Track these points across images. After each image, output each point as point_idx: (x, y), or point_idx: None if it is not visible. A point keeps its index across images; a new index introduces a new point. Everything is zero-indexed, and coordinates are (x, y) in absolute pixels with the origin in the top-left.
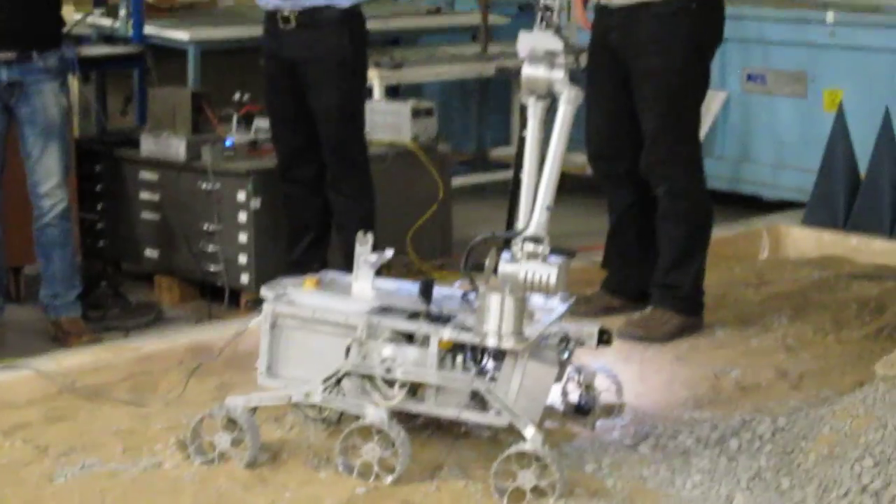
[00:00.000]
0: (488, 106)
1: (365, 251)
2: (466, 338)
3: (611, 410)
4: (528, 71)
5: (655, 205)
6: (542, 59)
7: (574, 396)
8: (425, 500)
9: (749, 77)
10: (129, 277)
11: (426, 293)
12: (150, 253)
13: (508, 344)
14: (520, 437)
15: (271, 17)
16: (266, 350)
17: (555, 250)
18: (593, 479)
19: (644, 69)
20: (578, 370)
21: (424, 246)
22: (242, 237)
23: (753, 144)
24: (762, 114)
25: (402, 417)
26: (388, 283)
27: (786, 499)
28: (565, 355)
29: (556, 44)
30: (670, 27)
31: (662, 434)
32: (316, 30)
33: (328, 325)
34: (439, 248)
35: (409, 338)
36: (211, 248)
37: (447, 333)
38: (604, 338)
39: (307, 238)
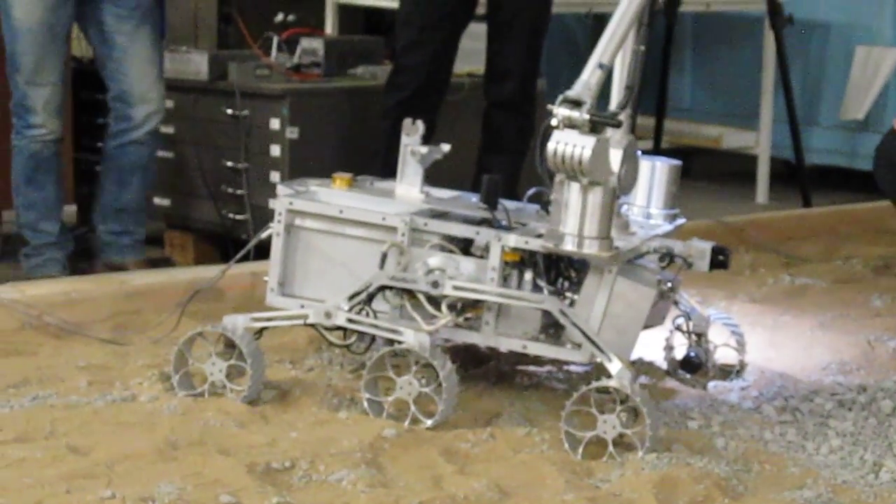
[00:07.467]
0: None
1: (413, 141)
2: (536, 245)
3: (728, 371)
4: None
5: None
6: None
7: (681, 350)
8: (474, 449)
9: None
10: None
11: (491, 196)
12: (161, 201)
13: (591, 250)
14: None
15: None
16: (278, 260)
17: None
18: (699, 437)
19: None
20: (688, 315)
21: None
22: (274, 176)
23: None
24: None
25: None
26: (443, 192)
27: None
28: (668, 284)
29: None
30: None
31: (794, 395)
32: None
33: (360, 228)
34: None
35: (465, 251)
36: (235, 191)
37: (513, 240)
38: (719, 258)
39: None
